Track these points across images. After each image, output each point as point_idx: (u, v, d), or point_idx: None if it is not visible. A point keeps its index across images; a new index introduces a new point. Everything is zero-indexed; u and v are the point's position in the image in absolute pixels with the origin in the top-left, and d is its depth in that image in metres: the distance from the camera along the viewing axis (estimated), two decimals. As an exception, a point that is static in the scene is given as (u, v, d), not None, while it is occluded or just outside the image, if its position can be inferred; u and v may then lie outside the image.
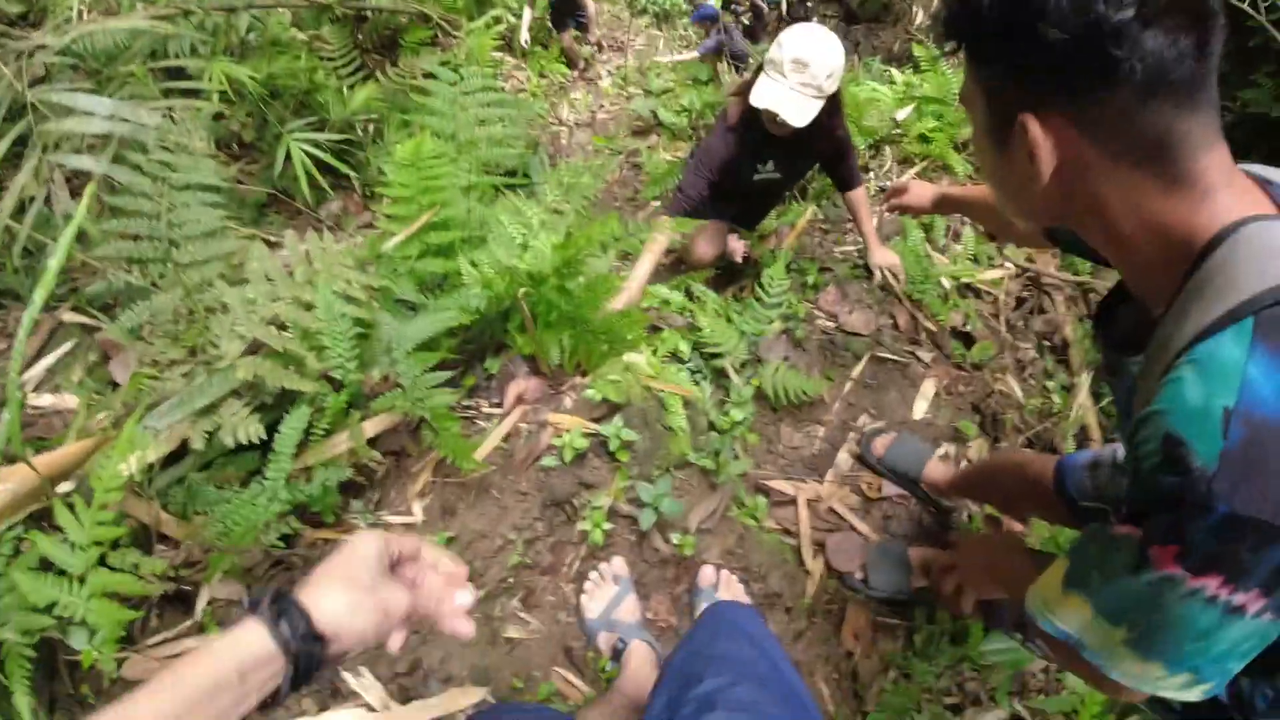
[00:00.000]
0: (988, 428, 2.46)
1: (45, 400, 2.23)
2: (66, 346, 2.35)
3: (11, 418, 1.29)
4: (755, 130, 2.29)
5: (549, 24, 5.78)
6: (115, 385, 2.25)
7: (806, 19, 6.86)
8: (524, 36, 5.49)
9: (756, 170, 2.47)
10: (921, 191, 1.77)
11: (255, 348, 1.59)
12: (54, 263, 1.34)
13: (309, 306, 1.52)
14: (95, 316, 2.39)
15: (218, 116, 3.02)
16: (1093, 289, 3.28)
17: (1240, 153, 0.71)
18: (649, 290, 2.25)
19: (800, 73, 2.07)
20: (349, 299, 1.50)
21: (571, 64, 5.83)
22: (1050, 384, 2.77)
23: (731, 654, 1.00)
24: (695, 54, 5.93)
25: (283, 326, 1.54)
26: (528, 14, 5.50)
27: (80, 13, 3.07)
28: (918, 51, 4.28)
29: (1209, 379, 0.62)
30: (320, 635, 0.58)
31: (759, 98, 2.10)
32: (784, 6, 7.05)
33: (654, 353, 2.04)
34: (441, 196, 1.90)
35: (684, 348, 2.19)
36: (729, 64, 5.79)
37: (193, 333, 1.56)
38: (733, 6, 6.37)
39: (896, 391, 2.51)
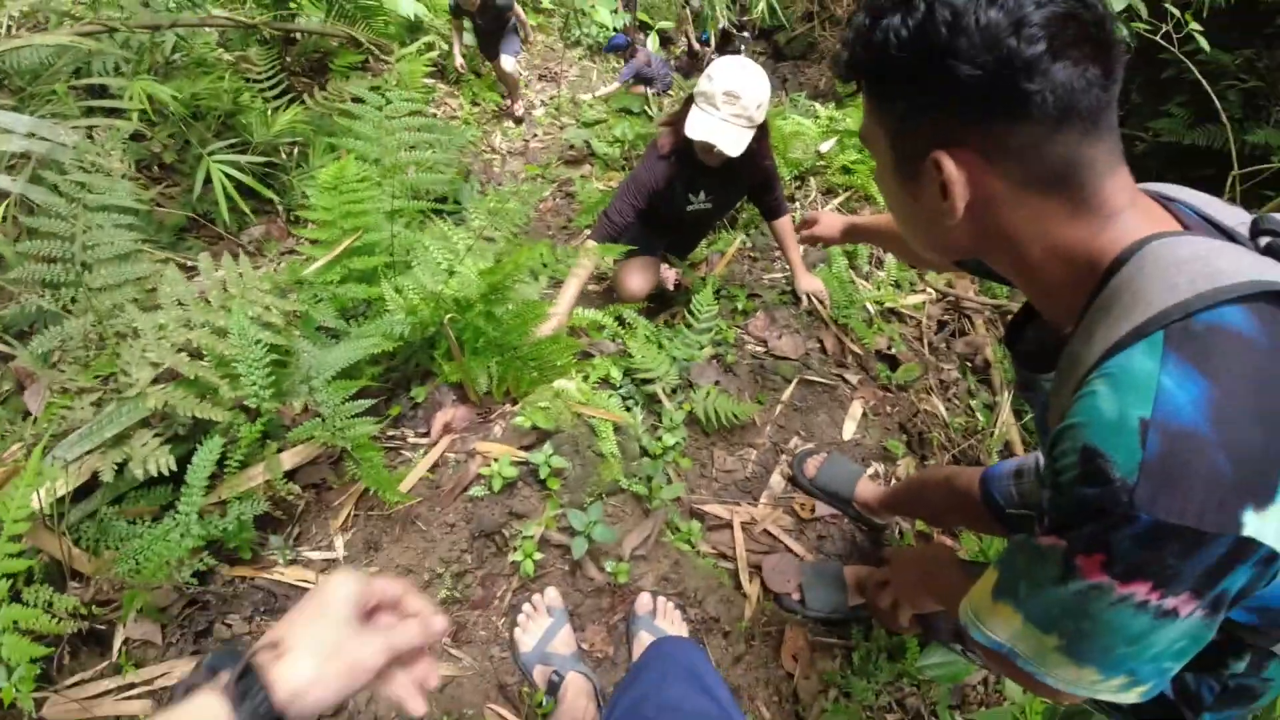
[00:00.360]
0: (915, 446, 2.54)
1: None
2: None
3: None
4: (688, 161, 2.33)
5: (480, 52, 5.67)
6: (29, 415, 2.12)
7: (736, 54, 7.08)
8: (457, 62, 5.49)
9: (690, 201, 2.51)
10: (831, 222, 1.83)
11: (168, 376, 1.51)
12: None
13: (224, 333, 1.45)
14: (8, 343, 2.25)
15: (137, 137, 2.90)
16: (1010, 311, 3.44)
17: (1151, 179, 0.73)
18: (580, 315, 2.25)
19: (732, 104, 2.12)
20: (266, 325, 1.44)
21: (506, 93, 5.75)
22: (974, 402, 2.88)
23: (685, 704, 0.97)
24: (617, 83, 6.04)
25: (197, 354, 1.46)
26: (457, 42, 5.50)
27: (8, 27, 2.92)
28: (840, 88, 4.47)
29: (1123, 391, 0.63)
30: (280, 715, 0.55)
31: (695, 130, 2.13)
32: (712, 44, 7.27)
33: (585, 379, 2.03)
34: (365, 221, 1.86)
35: (615, 373, 2.19)
36: (654, 93, 5.94)
37: (103, 360, 1.47)
38: (668, 46, 6.54)
39: (826, 414, 2.56)
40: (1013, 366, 1.02)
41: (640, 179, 2.34)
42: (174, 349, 1.38)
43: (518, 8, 5.46)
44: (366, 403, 1.56)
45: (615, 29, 7.04)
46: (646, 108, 5.61)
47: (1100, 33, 0.66)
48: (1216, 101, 3.01)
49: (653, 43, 6.30)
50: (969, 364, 3.32)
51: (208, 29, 3.16)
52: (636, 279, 2.64)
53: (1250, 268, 0.66)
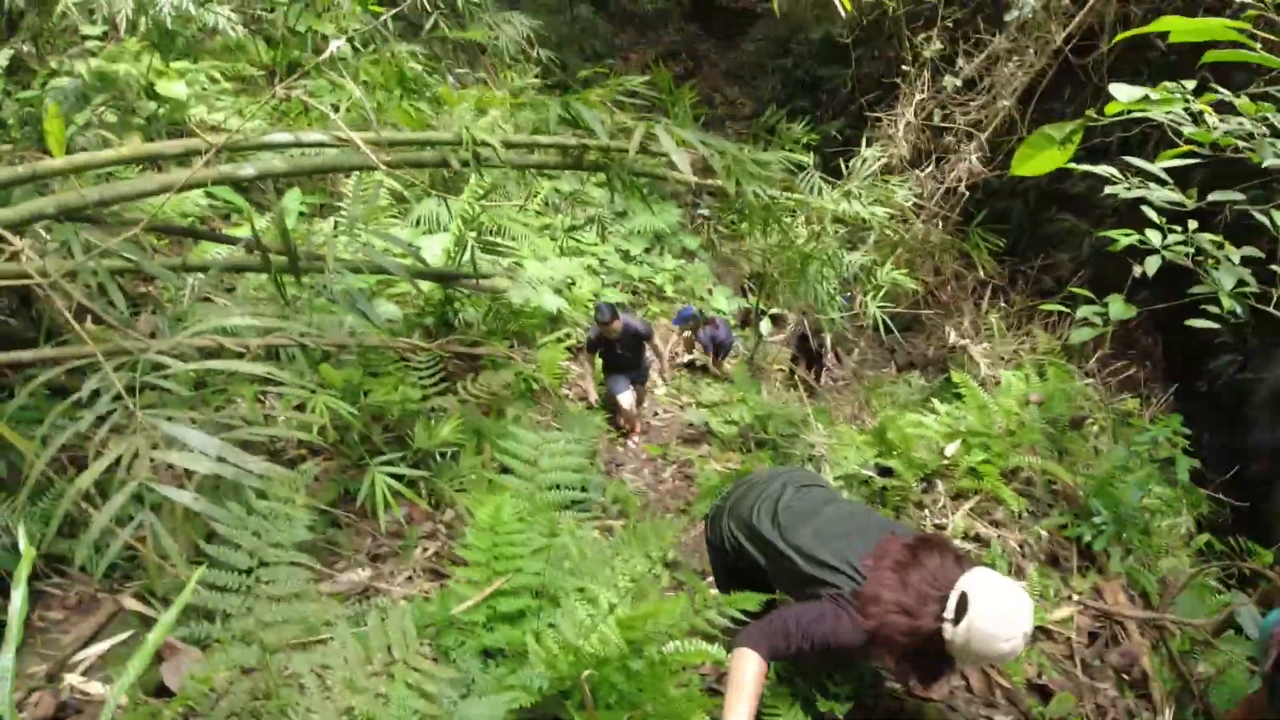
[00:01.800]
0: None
1: (94, 688, 2.21)
2: (123, 636, 2.36)
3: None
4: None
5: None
6: (163, 687, 2.20)
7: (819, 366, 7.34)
8: (592, 397, 5.60)
9: None
10: None
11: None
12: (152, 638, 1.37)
13: (383, 697, 1.52)
14: (156, 609, 2.42)
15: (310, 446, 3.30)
16: (1163, 624, 3.14)
17: None
18: (698, 651, 2.17)
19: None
20: (422, 694, 1.50)
21: (624, 427, 5.43)
22: None
23: None
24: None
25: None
26: (590, 375, 5.65)
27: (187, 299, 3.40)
28: (956, 378, 4.56)
29: None
30: None
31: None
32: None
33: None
34: (516, 564, 1.98)
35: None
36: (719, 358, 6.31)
37: (270, 713, 1.56)
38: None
39: (978, 768, 2.30)
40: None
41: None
42: (338, 713, 1.45)
43: (657, 340, 5.49)
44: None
45: (731, 313, 7.66)
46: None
47: None
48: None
49: (765, 324, 6.76)
50: (1124, 678, 3.02)
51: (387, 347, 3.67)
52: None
53: None
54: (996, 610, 1.70)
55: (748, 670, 1.81)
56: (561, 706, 1.88)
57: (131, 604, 2.48)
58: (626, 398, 5.26)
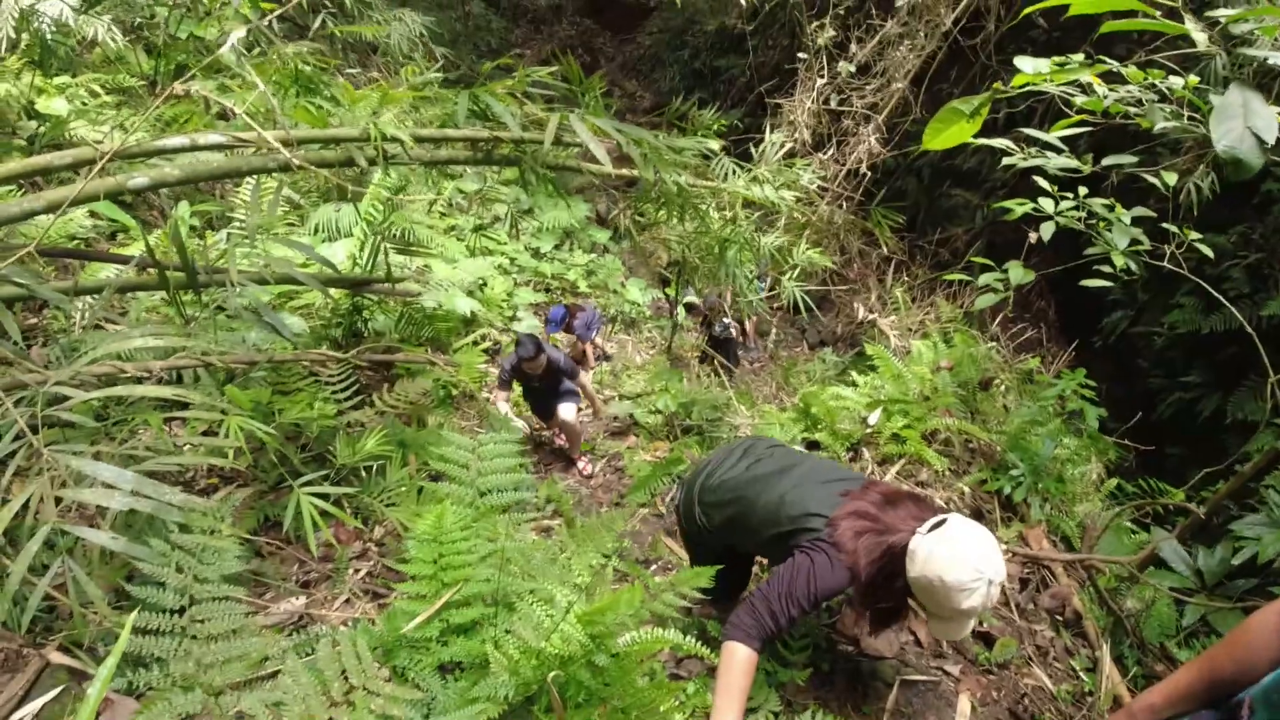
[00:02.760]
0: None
1: None
2: (53, 693, 2.15)
3: None
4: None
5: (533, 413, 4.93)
6: None
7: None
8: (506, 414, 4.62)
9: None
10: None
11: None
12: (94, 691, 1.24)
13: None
14: (83, 660, 2.22)
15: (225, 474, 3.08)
16: (1091, 564, 3.35)
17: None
18: (660, 638, 2.16)
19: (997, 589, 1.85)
20: (386, 719, 1.42)
21: (567, 444, 4.85)
22: (1074, 663, 2.82)
23: None
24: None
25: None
26: (503, 404, 4.66)
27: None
28: (870, 350, 4.73)
29: None
30: None
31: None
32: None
33: (689, 715, 1.93)
34: (464, 573, 1.90)
35: (710, 699, 2.08)
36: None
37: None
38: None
39: (934, 716, 2.39)
40: None
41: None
42: (295, 755, 1.36)
43: (582, 375, 4.76)
44: (479, 791, 1.48)
45: (644, 304, 7.69)
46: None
47: None
48: (1218, 295, 3.10)
49: (680, 313, 6.81)
50: (1059, 618, 3.20)
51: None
52: None
53: None
54: (968, 541, 1.72)
55: (736, 666, 1.78)
56: (528, 713, 1.83)
57: (58, 658, 2.28)
58: (568, 409, 4.60)
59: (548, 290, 7.34)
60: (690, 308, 6.87)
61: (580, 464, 4.80)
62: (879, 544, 1.81)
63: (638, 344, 7.13)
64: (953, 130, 1.99)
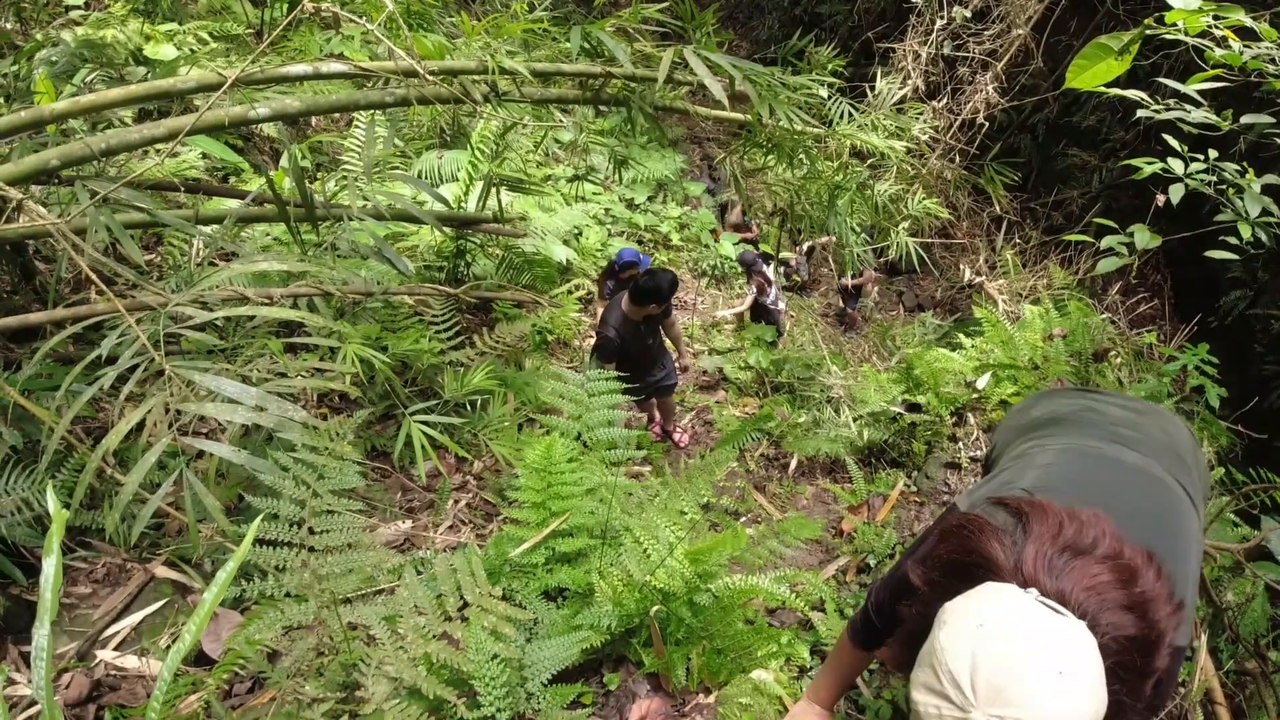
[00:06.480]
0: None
1: (129, 663, 2.17)
2: (155, 606, 2.32)
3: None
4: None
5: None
6: (201, 655, 2.17)
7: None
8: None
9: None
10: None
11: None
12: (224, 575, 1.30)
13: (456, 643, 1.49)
14: (189, 575, 2.35)
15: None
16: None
17: None
18: (765, 591, 2.12)
19: None
20: (498, 638, 1.46)
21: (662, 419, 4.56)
22: None
23: None
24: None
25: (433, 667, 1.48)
26: None
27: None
28: (979, 313, 4.50)
29: None
30: None
31: None
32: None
33: (782, 663, 1.92)
34: (571, 504, 1.93)
35: (803, 651, 2.06)
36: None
37: (336, 667, 1.52)
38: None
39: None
40: None
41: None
42: (413, 663, 1.41)
43: (677, 324, 4.34)
44: (585, 713, 1.52)
45: (733, 258, 7.54)
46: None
47: None
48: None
49: (771, 271, 6.65)
50: None
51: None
52: None
53: None
54: (993, 642, 0.81)
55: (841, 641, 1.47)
56: (628, 645, 1.86)
57: (163, 572, 2.41)
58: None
59: (640, 242, 7.31)
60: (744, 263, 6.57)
61: (675, 434, 4.58)
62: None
63: (728, 299, 7.04)
64: (1099, 67, 1.85)
